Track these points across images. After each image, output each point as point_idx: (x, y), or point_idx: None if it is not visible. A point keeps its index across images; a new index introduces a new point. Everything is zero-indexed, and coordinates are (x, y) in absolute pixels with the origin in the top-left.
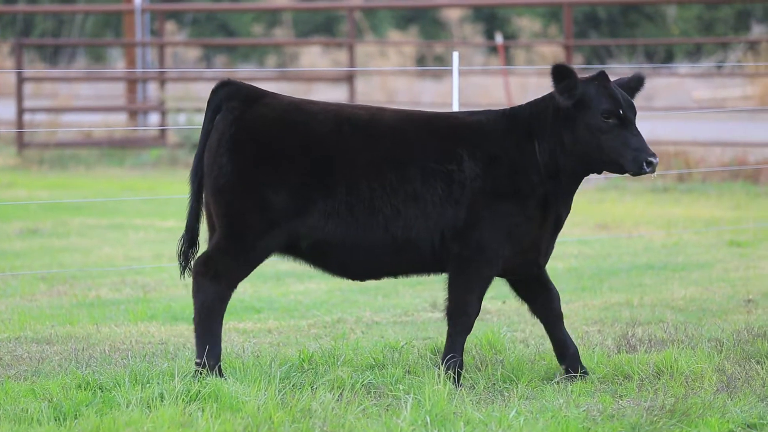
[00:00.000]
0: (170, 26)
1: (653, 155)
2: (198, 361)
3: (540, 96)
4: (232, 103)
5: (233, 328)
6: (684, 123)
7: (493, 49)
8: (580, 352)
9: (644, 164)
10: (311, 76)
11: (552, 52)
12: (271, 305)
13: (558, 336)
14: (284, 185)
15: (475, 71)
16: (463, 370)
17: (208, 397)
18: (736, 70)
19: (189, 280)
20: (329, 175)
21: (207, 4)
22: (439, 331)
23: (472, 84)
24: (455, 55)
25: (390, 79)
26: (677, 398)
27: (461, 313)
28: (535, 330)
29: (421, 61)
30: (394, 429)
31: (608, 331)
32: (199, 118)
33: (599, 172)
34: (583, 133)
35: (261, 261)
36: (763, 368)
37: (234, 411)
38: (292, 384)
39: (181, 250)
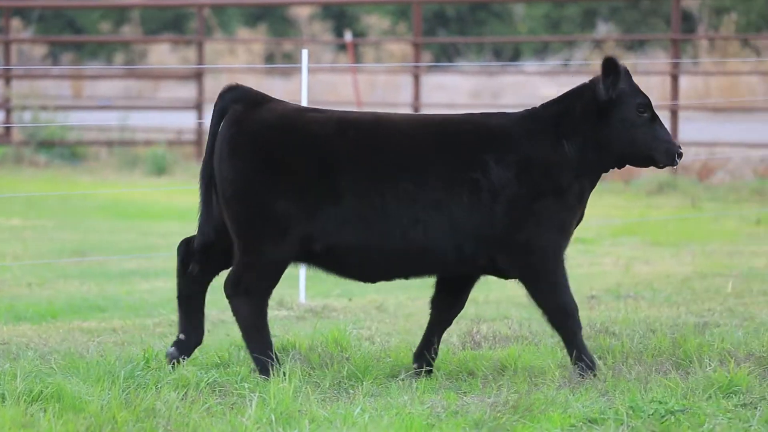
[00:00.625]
0: (16, 23)
1: (680, 147)
2: (257, 369)
3: (553, 99)
4: (236, 107)
5: (77, 327)
6: None
7: (343, 47)
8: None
9: (676, 156)
10: (160, 74)
11: (401, 49)
12: (117, 304)
13: (432, 337)
14: (287, 190)
15: (324, 69)
16: (595, 367)
17: (50, 397)
18: (583, 68)
19: (33, 279)
20: (335, 180)
21: (54, 0)
22: (284, 329)
23: (321, 81)
24: (304, 52)
25: (239, 77)
26: (520, 394)
27: (565, 316)
28: (381, 327)
29: (270, 58)
30: (238, 427)
31: (453, 329)
32: (45, 116)
33: (621, 167)
34: (618, 127)
35: (285, 267)
36: (605, 364)
37: (77, 411)
38: (136, 383)
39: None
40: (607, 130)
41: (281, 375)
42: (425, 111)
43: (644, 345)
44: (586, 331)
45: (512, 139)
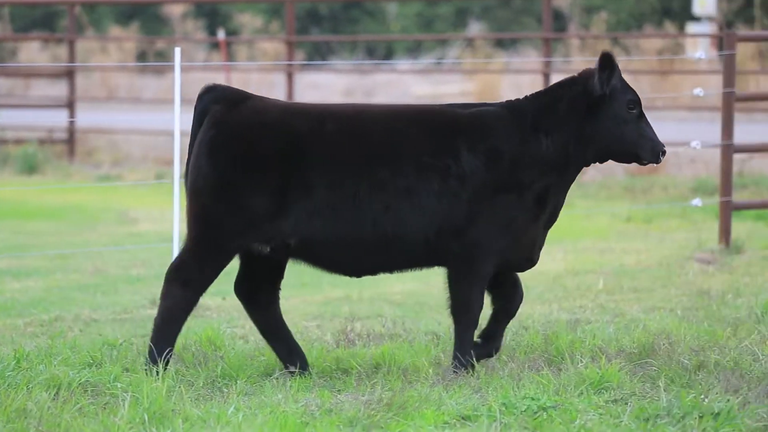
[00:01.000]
0: None
1: (664, 145)
2: (146, 366)
3: (539, 92)
4: (216, 107)
5: None
6: None
7: (216, 45)
8: (302, 348)
9: (660, 154)
10: (30, 72)
11: (274, 48)
12: None
13: (494, 327)
14: (263, 186)
15: (197, 67)
16: (471, 367)
17: None
18: (455, 66)
19: None
20: (309, 174)
21: None
22: None
23: (194, 80)
24: (177, 50)
25: (111, 76)
26: (394, 392)
27: (466, 310)
28: (255, 326)
29: (142, 56)
30: (111, 427)
31: (327, 326)
32: None
33: (603, 162)
34: (608, 123)
35: (228, 262)
36: (478, 360)
37: None
38: (6, 384)
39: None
40: (596, 125)
41: (154, 374)
42: None
43: (517, 342)
44: None
45: (485, 128)
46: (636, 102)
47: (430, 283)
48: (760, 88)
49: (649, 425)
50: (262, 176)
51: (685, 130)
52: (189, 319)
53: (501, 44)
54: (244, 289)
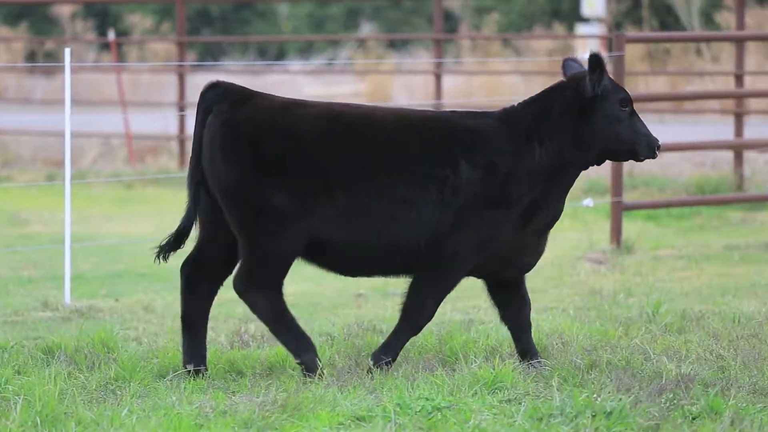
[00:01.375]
0: None
1: (658, 140)
2: (298, 361)
3: (533, 97)
4: (221, 106)
5: None
6: None
7: (106, 46)
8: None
9: (655, 148)
10: None
11: (165, 49)
12: None
13: (524, 345)
14: (281, 186)
15: (87, 68)
16: (390, 365)
17: None
18: (347, 67)
19: None
20: (326, 176)
21: None
22: (49, 331)
23: (85, 80)
24: (67, 51)
25: (0, 77)
26: (289, 393)
27: (417, 314)
28: (148, 328)
29: (31, 57)
30: (2, 431)
31: (221, 328)
32: None
33: (600, 163)
34: (603, 123)
35: (293, 259)
36: (369, 361)
37: None
38: None
39: (164, 244)
40: (591, 127)
41: (47, 376)
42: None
43: (411, 343)
44: (353, 329)
45: (485, 140)
46: (627, 100)
47: (323, 284)
48: (649, 89)
49: (543, 424)
50: (277, 175)
51: None
52: (82, 320)
53: (392, 45)
54: (190, 270)
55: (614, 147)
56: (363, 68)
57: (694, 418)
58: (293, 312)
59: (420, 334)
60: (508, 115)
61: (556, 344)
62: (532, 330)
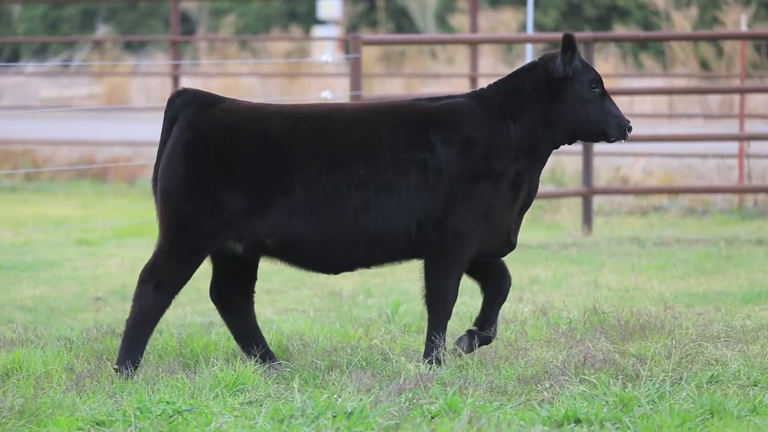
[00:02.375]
0: None
1: (629, 121)
2: (116, 367)
3: (503, 78)
4: (188, 110)
5: None
6: (31, 122)
7: None
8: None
9: (626, 130)
10: None
11: None
12: None
13: (488, 312)
14: (239, 186)
15: None
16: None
17: None
18: (83, 68)
19: None
20: (286, 173)
21: None
22: None
23: None
24: None
25: None
26: (26, 398)
27: (442, 300)
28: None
29: None
30: None
31: None
32: None
33: (572, 143)
34: (572, 104)
35: (201, 262)
36: (112, 364)
37: None
38: None
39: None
40: (561, 107)
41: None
42: None
43: (151, 346)
44: (92, 333)
45: (458, 119)
46: (598, 81)
47: (60, 288)
48: (385, 91)
49: (284, 426)
50: (239, 177)
51: None
52: None
53: (129, 47)
54: (218, 294)
55: (584, 127)
56: (99, 70)
57: (433, 417)
58: (30, 317)
59: (160, 337)
60: (479, 95)
61: (297, 346)
62: (276, 331)
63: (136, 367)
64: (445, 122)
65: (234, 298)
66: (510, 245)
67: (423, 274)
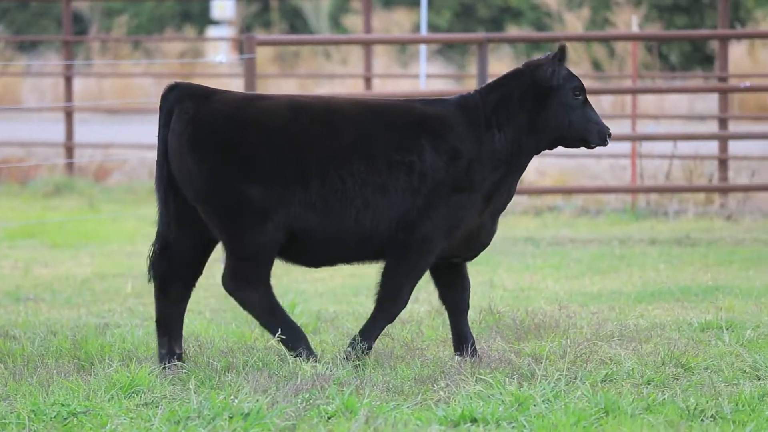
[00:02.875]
0: None
1: (609, 128)
2: (293, 354)
3: (492, 84)
4: (185, 104)
5: None
6: None
7: None
8: None
9: (606, 137)
10: None
11: None
12: None
13: (460, 327)
14: (255, 178)
15: None
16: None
17: None
18: None
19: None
20: (301, 165)
21: None
22: None
23: None
24: None
25: None
26: None
27: (393, 301)
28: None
29: None
30: None
31: None
32: None
33: (552, 149)
34: (557, 111)
35: (272, 251)
36: (5, 368)
37: None
38: None
39: (150, 257)
40: (546, 114)
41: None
42: None
43: (45, 348)
44: None
45: (448, 127)
46: (581, 88)
47: None
48: (280, 91)
49: (180, 427)
50: (250, 167)
51: None
52: None
53: (21, 47)
54: (163, 273)
55: (566, 134)
56: None
57: (329, 417)
58: None
59: (54, 339)
60: (468, 102)
61: (193, 347)
62: None
63: (307, 343)
64: (436, 130)
65: (176, 283)
66: (482, 245)
67: (381, 274)
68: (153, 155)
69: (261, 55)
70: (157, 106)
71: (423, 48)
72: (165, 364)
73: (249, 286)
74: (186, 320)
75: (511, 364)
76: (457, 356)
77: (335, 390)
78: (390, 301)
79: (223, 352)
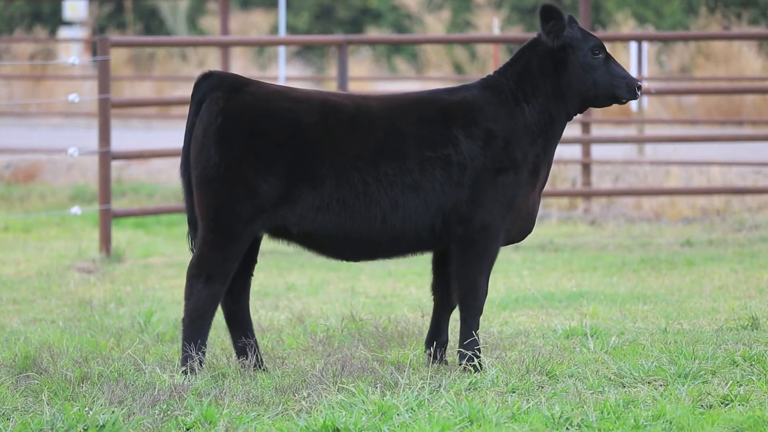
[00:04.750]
0: None
1: (639, 80)
2: (183, 368)
3: (510, 60)
4: (216, 94)
5: None
6: None
7: None
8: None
9: (636, 89)
10: None
11: None
12: None
13: (441, 321)
14: (272, 173)
15: None
16: (479, 350)
17: None
18: None
19: None
20: (317, 166)
21: None
22: None
23: None
24: None
25: None
26: None
27: (473, 296)
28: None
29: None
30: None
31: None
32: None
33: (584, 111)
34: (578, 73)
35: (245, 250)
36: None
37: None
38: None
39: (191, 244)
40: (568, 78)
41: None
42: None
43: None
44: None
45: (477, 111)
46: (599, 47)
47: None
48: (135, 94)
49: None
50: (270, 162)
51: (61, 136)
52: None
53: None
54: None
55: (593, 93)
56: None
57: (188, 429)
58: None
59: None
60: (490, 82)
61: (46, 357)
62: (23, 343)
63: (201, 362)
64: (466, 116)
65: (232, 281)
66: (531, 227)
67: (454, 270)
68: (2, 160)
69: (115, 57)
70: (7, 108)
71: (282, 50)
72: (247, 356)
73: (207, 281)
74: (38, 329)
75: (374, 373)
76: (427, 353)
77: (194, 400)
78: (471, 298)
79: (77, 362)
